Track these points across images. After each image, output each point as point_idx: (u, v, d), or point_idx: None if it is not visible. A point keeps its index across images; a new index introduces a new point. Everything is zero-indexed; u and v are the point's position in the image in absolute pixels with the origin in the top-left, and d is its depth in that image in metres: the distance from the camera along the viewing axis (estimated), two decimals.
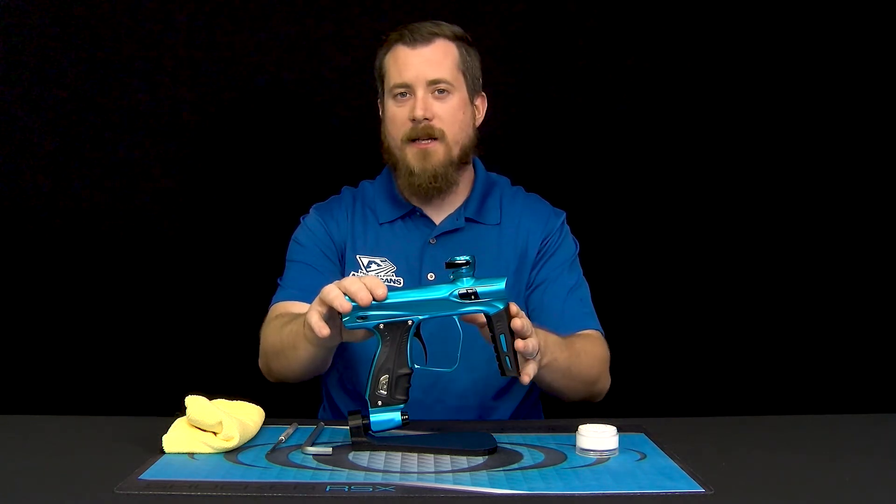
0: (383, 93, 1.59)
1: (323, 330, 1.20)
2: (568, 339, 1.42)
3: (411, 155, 1.53)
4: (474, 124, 1.60)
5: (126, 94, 2.10)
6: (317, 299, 1.21)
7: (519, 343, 1.20)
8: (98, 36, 2.09)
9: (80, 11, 2.08)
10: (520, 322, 1.19)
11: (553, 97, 2.17)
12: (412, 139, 1.53)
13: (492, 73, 1.69)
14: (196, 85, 2.12)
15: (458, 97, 1.55)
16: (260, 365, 1.52)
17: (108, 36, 2.09)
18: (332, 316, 1.22)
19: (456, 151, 1.54)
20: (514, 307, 1.20)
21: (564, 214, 1.64)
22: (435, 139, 1.52)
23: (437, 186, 1.54)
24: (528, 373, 1.23)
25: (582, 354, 1.43)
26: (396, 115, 1.54)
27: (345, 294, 1.18)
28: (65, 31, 2.08)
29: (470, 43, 1.58)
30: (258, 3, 2.12)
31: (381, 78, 1.58)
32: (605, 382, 1.52)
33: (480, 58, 1.60)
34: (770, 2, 2.16)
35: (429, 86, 1.52)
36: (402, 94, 1.53)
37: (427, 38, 1.52)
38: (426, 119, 1.51)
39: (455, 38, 1.55)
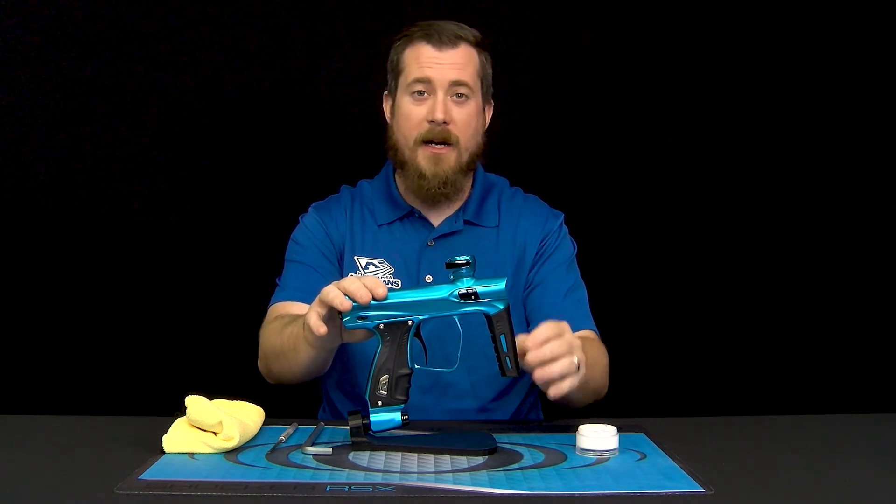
0: (395, 87, 1.56)
1: (320, 329, 1.20)
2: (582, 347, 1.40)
3: (423, 157, 1.51)
4: (483, 132, 1.59)
5: (125, 93, 2.10)
6: (316, 300, 1.21)
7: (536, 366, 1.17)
8: (99, 33, 2.09)
9: (80, 9, 2.08)
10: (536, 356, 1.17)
11: (552, 98, 2.17)
12: (426, 141, 1.51)
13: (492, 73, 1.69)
14: (195, 84, 2.11)
15: (475, 104, 1.54)
16: (259, 367, 1.51)
17: (110, 33, 2.09)
18: (331, 316, 1.22)
19: (465, 158, 1.54)
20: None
21: (563, 216, 1.63)
22: (449, 144, 1.51)
23: (446, 192, 1.53)
24: (560, 388, 1.18)
25: (596, 366, 1.41)
26: (412, 114, 1.52)
27: (344, 294, 1.18)
28: (66, 30, 2.08)
29: (488, 49, 1.57)
30: (259, 2, 2.12)
31: (397, 72, 1.55)
32: (606, 387, 1.51)
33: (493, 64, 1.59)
34: (770, 2, 2.16)
35: (450, 88, 1.50)
36: (421, 93, 1.51)
37: (453, 41, 1.51)
38: (444, 122, 1.50)
39: (476, 44, 1.54)
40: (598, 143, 2.18)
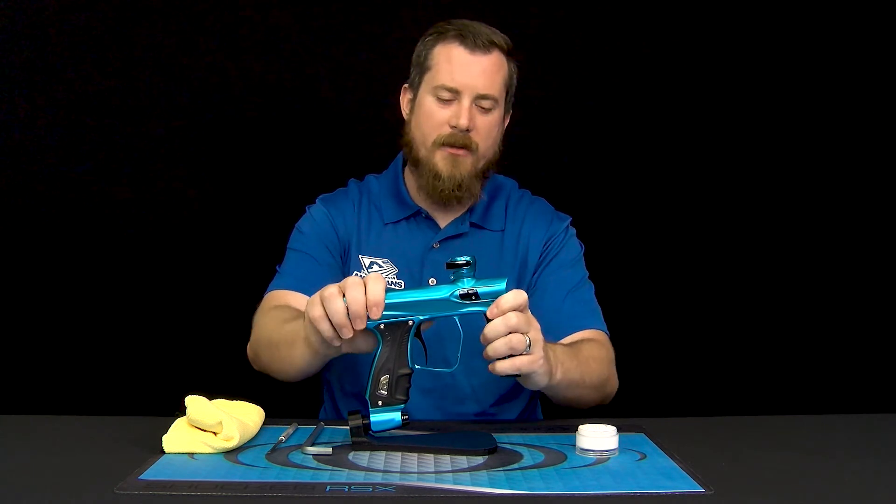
0: (419, 83, 1.53)
1: (334, 342, 1.20)
2: (575, 347, 1.39)
3: (441, 158, 1.49)
4: (501, 140, 1.56)
5: (124, 90, 2.10)
6: (319, 312, 1.19)
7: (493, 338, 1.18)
8: (101, 32, 2.09)
9: (85, 9, 2.08)
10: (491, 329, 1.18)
11: (559, 100, 2.17)
12: (445, 144, 1.49)
13: None
14: (195, 78, 2.11)
15: (498, 113, 1.52)
16: (248, 352, 1.48)
17: (112, 31, 2.09)
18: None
19: (482, 164, 1.52)
20: (494, 309, 1.18)
21: (569, 219, 1.62)
22: (468, 149, 1.49)
23: (459, 196, 1.51)
24: (510, 366, 1.19)
25: (591, 361, 1.40)
26: (435, 115, 1.49)
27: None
28: (71, 30, 2.08)
29: (515, 57, 1.54)
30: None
31: (424, 68, 1.52)
32: (614, 383, 1.49)
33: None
34: (771, 3, 2.16)
35: (476, 97, 1.48)
36: (446, 96, 1.48)
37: (486, 47, 1.48)
38: (467, 130, 1.48)
39: (507, 51, 1.51)
40: (601, 146, 2.18)
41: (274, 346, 1.38)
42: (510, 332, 1.18)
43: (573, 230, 1.61)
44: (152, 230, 2.13)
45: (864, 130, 2.18)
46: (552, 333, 1.47)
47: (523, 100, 2.09)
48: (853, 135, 2.18)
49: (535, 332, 1.21)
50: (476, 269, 1.20)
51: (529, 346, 1.19)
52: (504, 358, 1.19)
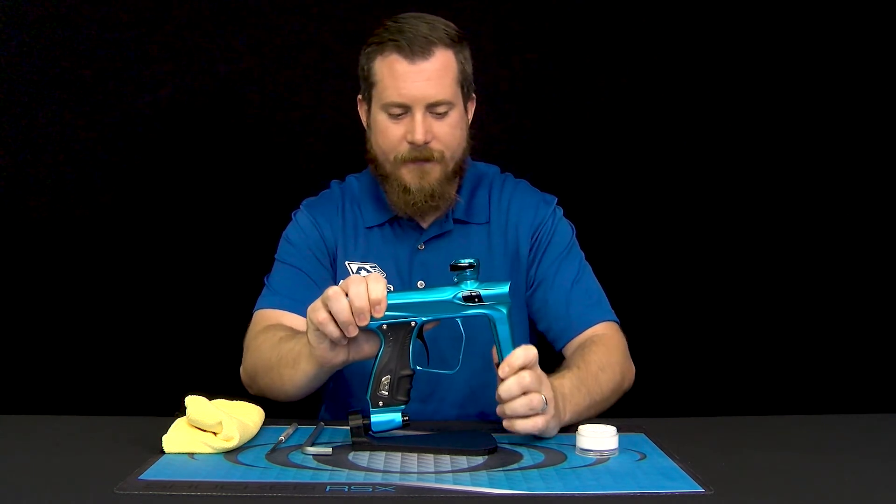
0: (369, 97, 1.47)
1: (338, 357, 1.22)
2: (583, 367, 1.35)
3: (406, 172, 1.45)
4: (468, 133, 1.51)
5: (114, 90, 2.10)
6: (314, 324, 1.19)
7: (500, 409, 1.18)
8: (86, 30, 2.09)
9: (49, 14, 2.08)
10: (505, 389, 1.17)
11: (548, 91, 2.17)
12: (407, 160, 1.44)
13: (487, 67, 1.65)
14: (182, 81, 2.11)
15: (457, 112, 1.46)
16: (242, 376, 1.45)
17: (92, 26, 2.09)
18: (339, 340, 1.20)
19: (451, 166, 1.47)
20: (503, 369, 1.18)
21: (555, 200, 1.57)
22: (432, 160, 1.44)
23: (435, 205, 1.47)
24: (532, 426, 1.19)
25: (599, 374, 1.36)
26: (389, 132, 1.44)
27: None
28: (57, 31, 2.08)
29: (464, 41, 1.47)
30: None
31: (369, 83, 1.46)
32: (630, 375, 1.47)
33: (471, 50, 1.50)
34: (770, 2, 2.16)
35: (427, 106, 1.42)
36: (397, 112, 1.43)
37: (426, 50, 1.40)
38: (425, 142, 1.43)
39: (452, 44, 1.44)
40: (597, 140, 2.18)
41: (273, 367, 1.35)
42: (524, 392, 1.17)
43: (560, 210, 1.57)
44: (151, 231, 2.13)
45: (864, 130, 2.18)
46: (561, 338, 1.49)
47: (510, 90, 2.07)
48: (853, 135, 2.18)
49: (548, 389, 1.21)
50: (480, 272, 1.20)
51: (545, 403, 1.19)
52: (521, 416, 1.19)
